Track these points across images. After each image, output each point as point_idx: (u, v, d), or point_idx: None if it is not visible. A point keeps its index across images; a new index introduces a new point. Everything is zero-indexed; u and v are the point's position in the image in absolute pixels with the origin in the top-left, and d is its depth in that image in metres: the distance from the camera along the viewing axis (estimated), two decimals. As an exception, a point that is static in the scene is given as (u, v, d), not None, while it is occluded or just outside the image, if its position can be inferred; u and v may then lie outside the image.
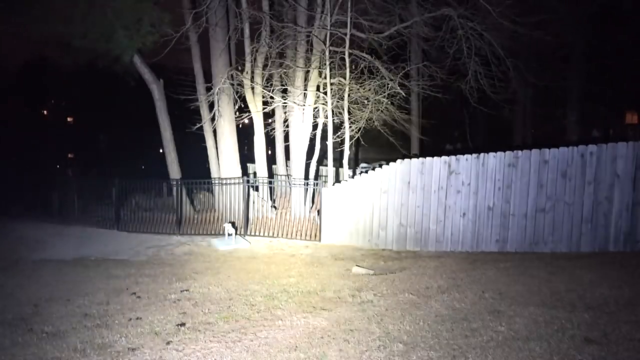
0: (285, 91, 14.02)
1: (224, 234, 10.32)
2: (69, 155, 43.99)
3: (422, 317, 5.03)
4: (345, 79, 12.02)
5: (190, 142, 15.17)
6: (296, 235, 10.61)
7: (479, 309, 5.22)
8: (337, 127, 12.96)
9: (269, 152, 16.72)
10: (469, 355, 4.09)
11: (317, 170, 14.20)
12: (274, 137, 16.66)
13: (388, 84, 12.22)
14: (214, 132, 13.67)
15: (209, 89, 13.05)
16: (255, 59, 13.10)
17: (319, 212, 10.65)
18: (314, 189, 12.46)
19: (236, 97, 13.45)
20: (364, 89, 12.65)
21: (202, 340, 4.61)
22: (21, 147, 28.50)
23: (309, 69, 13.13)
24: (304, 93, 13.36)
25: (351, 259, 8.54)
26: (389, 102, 12.64)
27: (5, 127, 30.96)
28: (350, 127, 12.33)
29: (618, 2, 20.73)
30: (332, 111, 12.25)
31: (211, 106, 13.30)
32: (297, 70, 13.36)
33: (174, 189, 12.05)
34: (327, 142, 12.38)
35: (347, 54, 11.95)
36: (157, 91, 13.06)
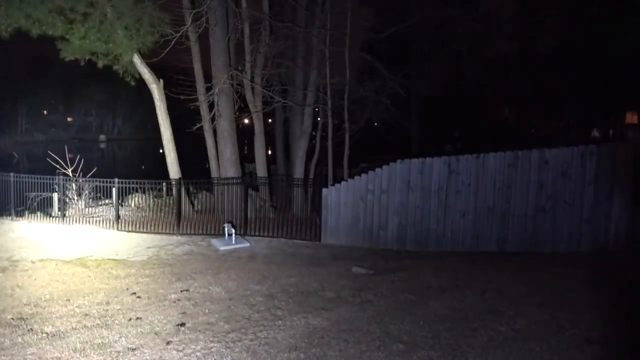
0: (285, 91, 14.04)
1: (224, 234, 10.31)
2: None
3: (422, 317, 5.02)
4: (345, 78, 12.02)
5: (190, 142, 15.17)
6: (296, 235, 10.60)
7: (479, 309, 5.22)
8: (337, 127, 12.96)
9: (269, 152, 16.73)
10: (469, 355, 4.09)
11: (317, 170, 14.21)
12: (274, 137, 16.69)
13: (388, 84, 12.23)
14: (214, 132, 13.67)
15: (209, 89, 13.05)
16: (255, 59, 13.10)
17: (318, 212, 10.64)
18: (313, 189, 12.46)
19: (236, 97, 13.44)
20: (364, 89, 12.65)
21: (202, 340, 4.61)
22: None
23: (308, 69, 13.14)
24: (304, 93, 13.37)
25: (351, 259, 8.53)
26: (389, 102, 12.64)
27: None
28: (350, 127, 12.33)
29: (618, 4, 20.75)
30: (332, 111, 12.26)
31: (211, 106, 13.29)
32: (297, 70, 13.37)
33: (174, 189, 12.05)
34: (326, 142, 12.39)
35: (347, 54, 11.95)
36: (157, 91, 13.06)
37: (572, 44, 23.99)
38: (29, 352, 4.46)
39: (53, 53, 12.01)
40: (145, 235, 10.94)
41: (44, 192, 12.53)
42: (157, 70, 13.22)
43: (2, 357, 4.37)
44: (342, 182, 10.29)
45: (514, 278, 6.70)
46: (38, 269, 7.99)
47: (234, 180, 12.21)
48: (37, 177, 12.31)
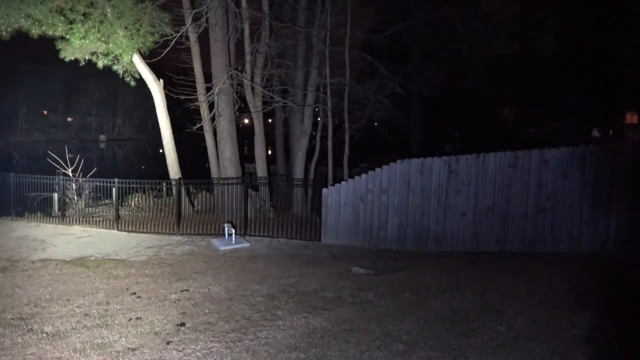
0: (285, 91, 14.03)
1: (224, 234, 10.31)
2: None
3: (422, 317, 5.02)
4: (345, 78, 12.02)
5: (190, 142, 15.17)
6: (296, 235, 10.60)
7: (479, 309, 5.22)
8: (337, 127, 12.96)
9: (269, 152, 16.73)
10: (469, 355, 4.09)
11: (317, 170, 14.21)
12: (274, 137, 16.69)
13: (388, 84, 12.22)
14: (214, 132, 13.66)
15: (209, 89, 13.04)
16: (255, 59, 13.09)
17: (318, 212, 10.64)
18: (313, 189, 12.46)
19: (236, 97, 13.44)
20: (364, 89, 12.65)
21: (202, 340, 4.61)
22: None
23: (308, 69, 13.14)
24: (304, 93, 13.37)
25: (351, 259, 8.54)
26: (389, 102, 12.64)
27: None
28: (350, 127, 12.33)
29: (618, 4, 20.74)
30: (332, 111, 12.26)
31: (211, 106, 13.29)
32: (297, 70, 13.36)
33: (174, 189, 12.05)
34: (326, 142, 12.38)
35: (347, 54, 11.95)
36: (157, 91, 13.06)
37: (572, 44, 24.00)
38: (29, 352, 4.46)
39: (53, 53, 11.99)
40: (145, 235, 10.94)
41: (44, 192, 12.53)
42: (157, 70, 13.22)
43: (2, 357, 4.37)
44: (342, 182, 10.29)
45: (514, 278, 6.70)
46: (38, 269, 7.99)
47: (234, 180, 12.21)
48: (37, 177, 12.30)
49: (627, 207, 8.55)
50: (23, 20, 10.82)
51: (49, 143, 45.18)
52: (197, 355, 4.27)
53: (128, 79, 12.70)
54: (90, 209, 13.10)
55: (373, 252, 9.43)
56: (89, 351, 4.43)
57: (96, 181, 12.24)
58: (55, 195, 12.63)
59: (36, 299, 6.21)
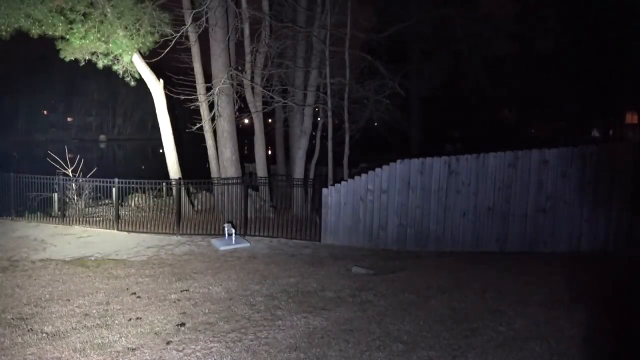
0: (285, 91, 14.03)
1: (224, 234, 10.31)
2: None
3: (422, 317, 5.03)
4: (345, 78, 12.02)
5: (190, 142, 15.16)
6: (296, 235, 10.60)
7: (479, 309, 5.23)
8: (337, 127, 12.96)
9: (269, 152, 16.73)
10: (469, 355, 4.09)
11: (317, 170, 14.21)
12: (274, 137, 16.69)
13: (388, 84, 12.22)
14: (214, 132, 13.66)
15: (209, 89, 13.04)
16: (255, 59, 13.10)
17: (318, 212, 10.64)
18: (313, 189, 12.46)
19: (236, 97, 13.43)
20: (364, 89, 12.65)
21: (202, 340, 4.61)
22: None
23: (308, 69, 13.14)
24: (304, 93, 13.37)
25: (351, 259, 8.54)
26: (389, 102, 12.64)
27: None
28: (350, 127, 12.33)
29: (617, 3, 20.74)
30: (332, 111, 12.26)
31: (211, 106, 13.28)
32: (297, 70, 13.36)
33: (174, 189, 12.05)
34: (326, 142, 12.38)
35: (347, 54, 11.95)
36: (157, 91, 13.06)
37: (572, 44, 24.02)
38: (29, 352, 4.46)
39: (53, 53, 11.99)
40: (145, 235, 10.95)
41: (44, 192, 12.53)
42: (157, 70, 13.21)
43: (2, 357, 4.37)
44: (342, 182, 10.29)
45: (514, 278, 6.70)
46: (38, 269, 8.00)
47: (234, 180, 12.21)
48: (37, 177, 12.30)
49: (627, 208, 8.55)
50: (23, 20, 10.82)
51: (49, 143, 45.16)
52: (197, 355, 4.28)
53: (128, 79, 12.69)
54: (90, 209, 13.10)
55: (373, 252, 9.43)
56: (89, 351, 4.43)
57: (96, 181, 12.23)
58: (55, 195, 12.63)
59: (36, 299, 6.22)
